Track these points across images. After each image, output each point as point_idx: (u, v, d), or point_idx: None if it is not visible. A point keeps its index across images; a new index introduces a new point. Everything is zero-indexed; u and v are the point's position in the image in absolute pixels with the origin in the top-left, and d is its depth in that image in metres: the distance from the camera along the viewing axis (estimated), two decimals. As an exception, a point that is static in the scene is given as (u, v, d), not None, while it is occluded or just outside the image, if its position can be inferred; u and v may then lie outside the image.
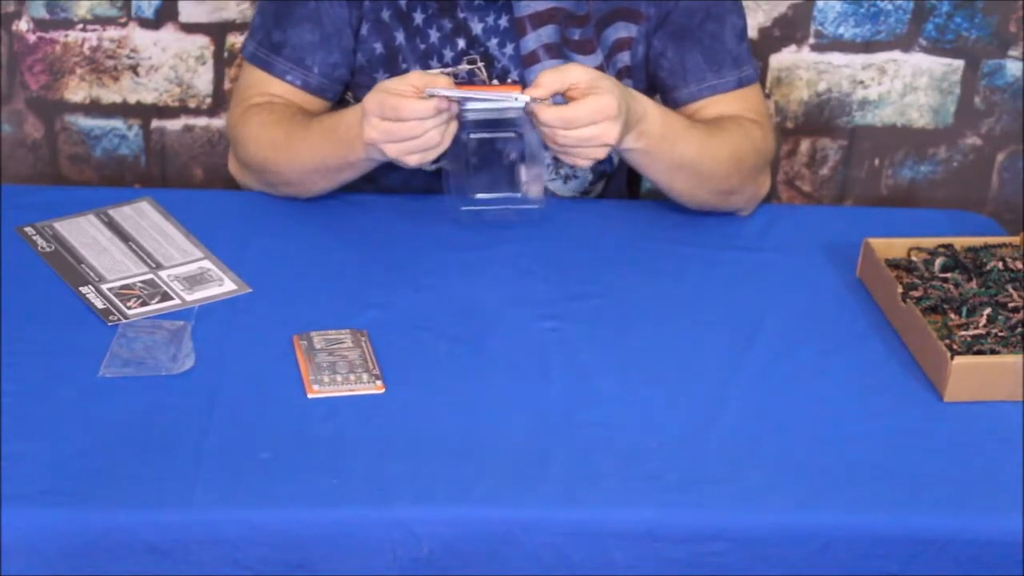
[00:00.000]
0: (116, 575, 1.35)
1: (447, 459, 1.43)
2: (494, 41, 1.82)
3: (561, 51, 1.84)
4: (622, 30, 1.86)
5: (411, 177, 1.89)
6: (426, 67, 1.81)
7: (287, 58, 1.81)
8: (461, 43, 1.82)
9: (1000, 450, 1.49)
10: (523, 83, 1.82)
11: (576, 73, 1.63)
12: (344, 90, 1.87)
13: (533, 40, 1.83)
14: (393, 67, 1.82)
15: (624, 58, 1.87)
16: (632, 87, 1.88)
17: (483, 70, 1.81)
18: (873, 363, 1.62)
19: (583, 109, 1.61)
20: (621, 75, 1.87)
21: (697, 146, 1.77)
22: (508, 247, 1.77)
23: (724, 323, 1.66)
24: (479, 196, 1.72)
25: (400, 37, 1.82)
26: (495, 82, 1.75)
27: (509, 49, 1.83)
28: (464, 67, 1.81)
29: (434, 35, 1.82)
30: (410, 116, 1.60)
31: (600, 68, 1.86)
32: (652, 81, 1.90)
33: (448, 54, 1.82)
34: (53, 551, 1.34)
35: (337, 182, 1.79)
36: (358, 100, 1.88)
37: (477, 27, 1.81)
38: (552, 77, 1.62)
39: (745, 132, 1.83)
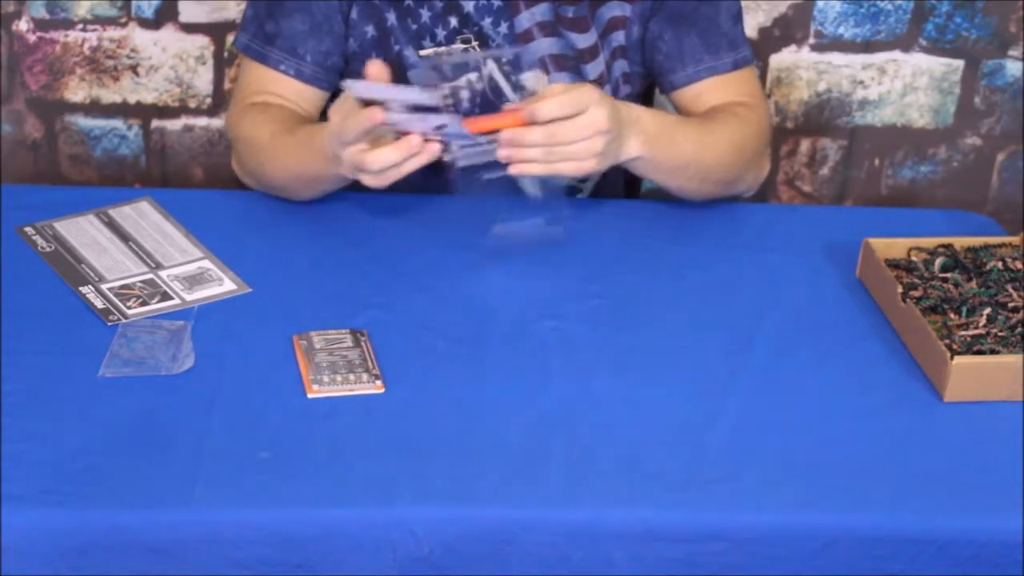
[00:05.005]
0: (116, 575, 1.35)
1: (447, 459, 1.43)
2: (488, 20, 1.82)
3: (555, 29, 1.84)
4: (616, 9, 1.86)
5: (412, 176, 1.90)
6: (419, 47, 1.82)
7: (280, 48, 1.82)
8: (453, 22, 1.82)
9: (1000, 450, 1.49)
10: (518, 62, 1.83)
11: (557, 87, 1.62)
12: (339, 79, 1.88)
13: (527, 18, 1.83)
14: (386, 49, 1.82)
15: (619, 37, 1.87)
16: (627, 68, 1.89)
17: (476, 49, 1.81)
18: (873, 363, 1.62)
19: (565, 100, 1.58)
20: (616, 55, 1.88)
21: (696, 139, 1.77)
22: (508, 247, 1.77)
23: (724, 323, 1.66)
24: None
25: (391, 18, 1.82)
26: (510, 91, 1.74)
27: (503, 28, 1.83)
28: (458, 46, 1.81)
29: (426, 14, 1.82)
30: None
31: (595, 47, 1.86)
32: (649, 66, 1.91)
33: (441, 33, 1.82)
34: (53, 551, 1.34)
35: (319, 191, 1.78)
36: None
37: (469, 5, 1.82)
38: (551, 103, 1.60)
39: (741, 120, 1.83)
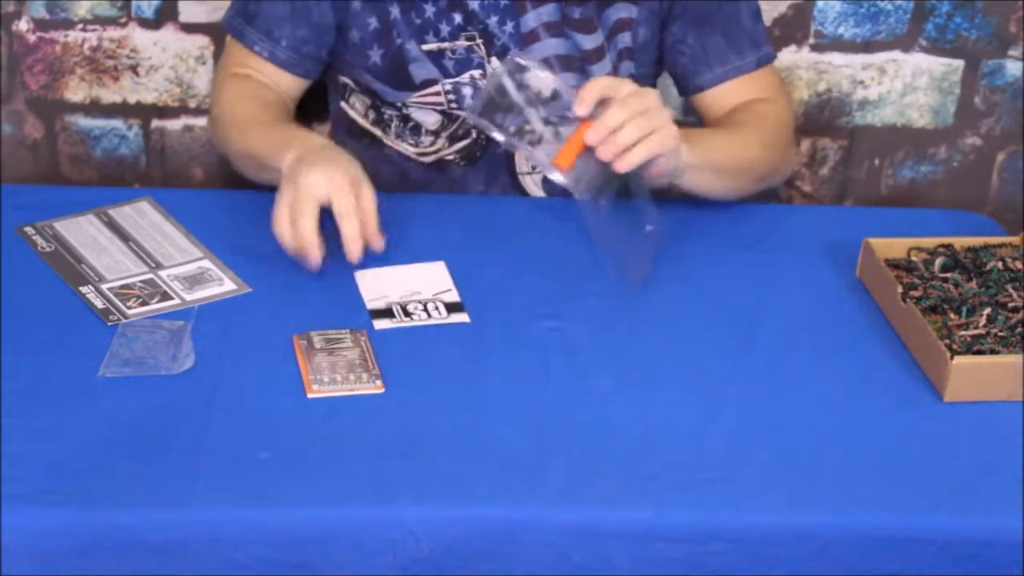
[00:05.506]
0: (116, 575, 1.35)
1: (447, 459, 1.43)
2: (494, 19, 1.82)
3: (561, 30, 1.84)
4: (622, 10, 1.86)
5: (415, 174, 1.90)
6: (422, 42, 1.82)
7: (258, 29, 1.83)
8: (458, 18, 1.82)
9: (1000, 450, 1.49)
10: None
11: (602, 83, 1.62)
12: (326, 70, 1.88)
13: (533, 18, 1.84)
14: (388, 42, 1.83)
15: (625, 39, 1.87)
16: (634, 70, 1.89)
17: (481, 47, 1.82)
18: (873, 363, 1.62)
19: (605, 78, 1.61)
20: (622, 56, 1.88)
21: (726, 139, 1.80)
22: (508, 247, 1.77)
23: (724, 323, 1.66)
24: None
25: (395, 11, 1.82)
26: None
27: (509, 27, 1.83)
28: (462, 43, 1.82)
29: (430, 9, 1.82)
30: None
31: (601, 48, 1.86)
32: (671, 69, 1.91)
33: (444, 29, 1.82)
34: (53, 551, 1.34)
35: (271, 182, 1.79)
36: (355, 80, 1.88)
37: (474, 3, 1.82)
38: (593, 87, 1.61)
39: (764, 115, 1.86)
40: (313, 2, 1.82)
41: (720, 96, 1.88)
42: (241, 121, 1.79)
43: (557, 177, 1.60)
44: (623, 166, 1.59)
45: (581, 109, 1.59)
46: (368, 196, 1.63)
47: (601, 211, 1.66)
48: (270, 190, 1.86)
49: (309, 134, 1.75)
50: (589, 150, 1.60)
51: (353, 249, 1.62)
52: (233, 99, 1.83)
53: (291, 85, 1.86)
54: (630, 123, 1.59)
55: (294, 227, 1.61)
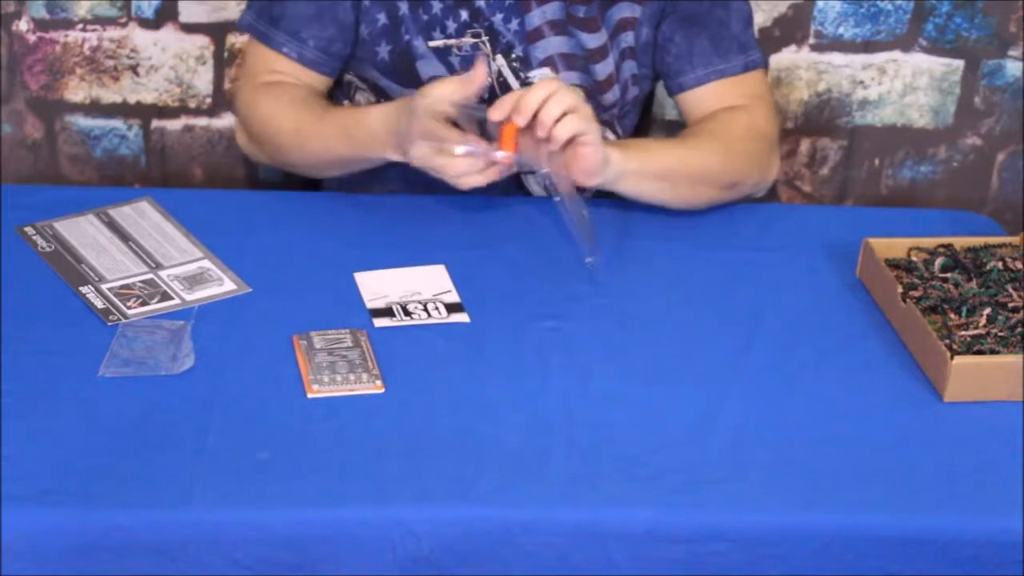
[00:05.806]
0: (116, 575, 1.35)
1: (447, 459, 1.43)
2: (499, 16, 1.83)
3: (566, 28, 1.85)
4: (626, 10, 1.87)
5: (414, 175, 1.90)
6: (428, 38, 1.82)
7: (284, 31, 1.83)
8: (464, 15, 1.83)
9: (1000, 450, 1.50)
10: (528, 59, 1.84)
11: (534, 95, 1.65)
12: (344, 67, 1.88)
13: (538, 16, 1.84)
14: (396, 38, 1.83)
15: (628, 39, 1.88)
16: (636, 70, 1.90)
17: (487, 44, 1.82)
18: (873, 363, 1.62)
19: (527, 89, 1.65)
20: (625, 56, 1.89)
21: (673, 146, 1.82)
22: (508, 247, 1.77)
23: (724, 323, 1.66)
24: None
25: (404, 7, 1.83)
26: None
27: (514, 24, 1.83)
28: (468, 40, 1.82)
29: (437, 6, 1.83)
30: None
31: (604, 47, 1.87)
32: (659, 68, 1.92)
33: (451, 25, 1.83)
34: (53, 551, 1.34)
35: (351, 171, 1.83)
36: (360, 76, 1.88)
37: (480, 1, 1.82)
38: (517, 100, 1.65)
39: (733, 123, 1.85)
40: (338, 1, 1.82)
41: (701, 98, 1.88)
42: (294, 129, 1.80)
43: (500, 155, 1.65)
44: (555, 142, 1.63)
45: (495, 114, 1.63)
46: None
47: (556, 195, 1.69)
48: (269, 190, 1.86)
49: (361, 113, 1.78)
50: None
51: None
52: (271, 112, 1.82)
53: (317, 83, 1.86)
54: (551, 98, 1.62)
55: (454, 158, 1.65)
